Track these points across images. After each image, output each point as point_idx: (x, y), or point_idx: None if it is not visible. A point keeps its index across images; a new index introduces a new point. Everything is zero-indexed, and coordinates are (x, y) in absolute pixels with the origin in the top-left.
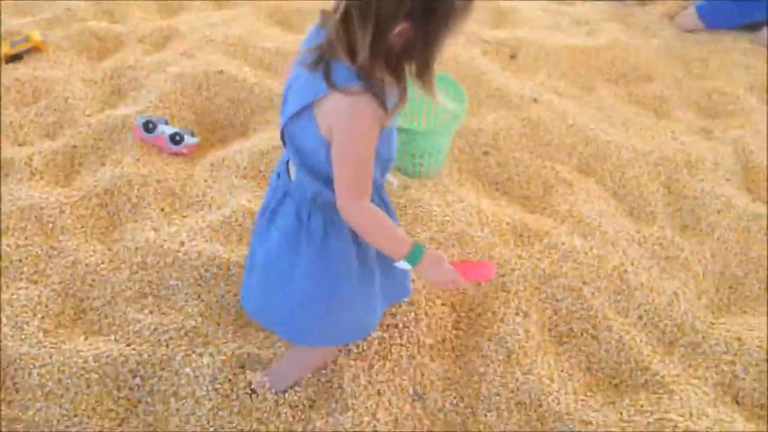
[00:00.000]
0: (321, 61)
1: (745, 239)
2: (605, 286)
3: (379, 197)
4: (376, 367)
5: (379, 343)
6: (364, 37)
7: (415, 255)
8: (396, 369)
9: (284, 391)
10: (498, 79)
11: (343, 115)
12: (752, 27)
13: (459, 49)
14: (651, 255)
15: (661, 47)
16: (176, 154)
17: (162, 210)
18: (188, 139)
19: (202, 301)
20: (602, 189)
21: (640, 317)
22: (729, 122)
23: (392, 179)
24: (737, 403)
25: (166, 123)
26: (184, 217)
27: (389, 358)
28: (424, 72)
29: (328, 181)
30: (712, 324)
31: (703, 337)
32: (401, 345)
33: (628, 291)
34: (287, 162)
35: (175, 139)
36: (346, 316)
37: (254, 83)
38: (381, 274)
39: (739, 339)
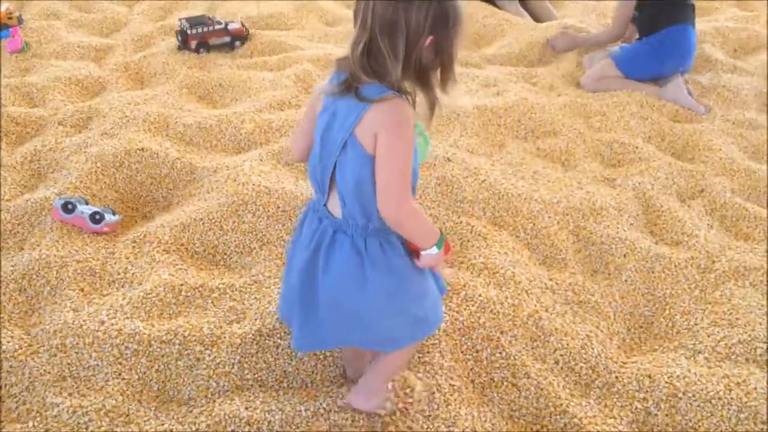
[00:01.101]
0: (351, 87)
1: (651, 279)
2: (522, 333)
3: None
4: None
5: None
6: (396, 57)
7: (441, 240)
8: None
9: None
10: None
11: (382, 117)
12: (658, 82)
13: None
14: (564, 301)
15: (565, 104)
16: (98, 233)
17: (82, 290)
18: (109, 218)
19: (123, 379)
20: (515, 240)
21: (557, 362)
22: (630, 170)
23: None
24: None
25: (86, 203)
26: (105, 295)
27: None
28: (448, 77)
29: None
30: (624, 363)
31: (617, 377)
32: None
33: (544, 337)
34: (324, 205)
35: (96, 218)
36: (421, 306)
37: (176, 158)
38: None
39: (649, 376)
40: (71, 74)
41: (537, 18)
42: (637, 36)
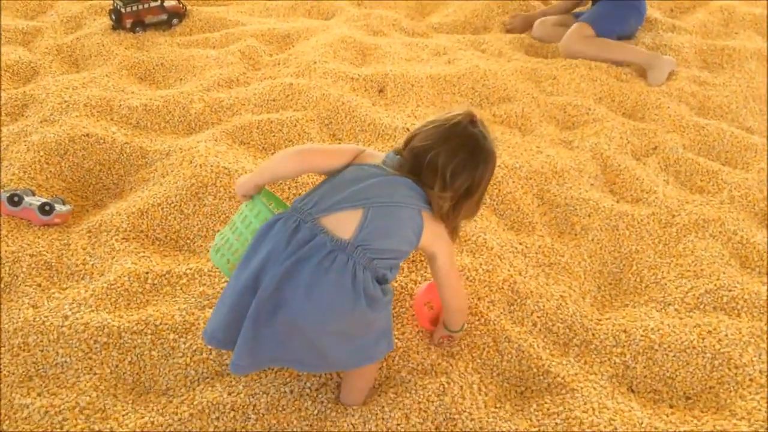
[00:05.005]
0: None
1: (616, 237)
2: (499, 298)
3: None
4: None
5: None
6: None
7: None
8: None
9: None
10: (370, 114)
11: (442, 231)
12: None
13: (328, 87)
14: (535, 263)
15: (516, 69)
16: (48, 225)
17: (39, 285)
18: (59, 208)
19: (95, 374)
20: (483, 207)
21: (535, 324)
22: (585, 132)
23: None
24: (632, 391)
25: (33, 194)
26: (65, 289)
27: None
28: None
29: (391, 258)
30: (599, 321)
31: (593, 334)
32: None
33: (520, 300)
34: (317, 219)
35: (45, 209)
36: (379, 340)
37: (125, 143)
38: None
39: (625, 331)
40: None
41: None
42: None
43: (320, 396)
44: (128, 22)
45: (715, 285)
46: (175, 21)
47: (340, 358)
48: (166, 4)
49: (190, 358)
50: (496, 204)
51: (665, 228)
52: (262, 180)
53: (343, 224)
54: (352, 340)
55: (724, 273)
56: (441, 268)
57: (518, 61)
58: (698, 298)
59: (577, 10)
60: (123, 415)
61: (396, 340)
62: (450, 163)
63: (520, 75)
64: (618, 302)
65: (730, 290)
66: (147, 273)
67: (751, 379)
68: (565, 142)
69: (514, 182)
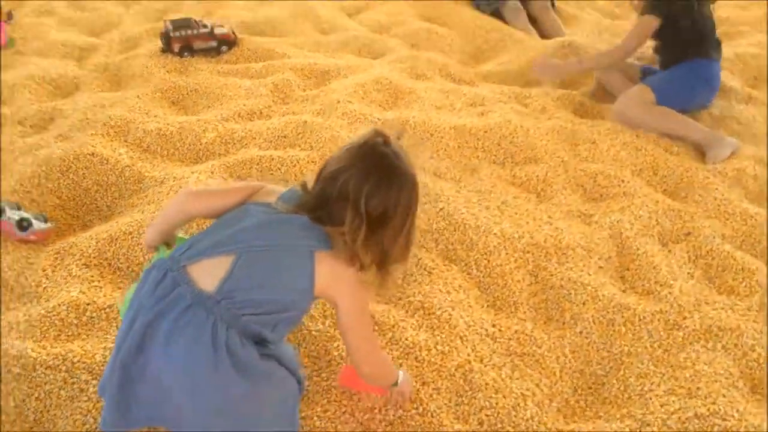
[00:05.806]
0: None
1: (609, 333)
2: (446, 386)
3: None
4: None
5: None
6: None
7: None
8: None
9: None
10: None
11: (345, 272)
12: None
13: (341, 129)
14: (505, 351)
15: (553, 128)
16: (24, 241)
17: None
18: (37, 225)
19: None
20: (465, 278)
21: (481, 423)
22: (611, 206)
23: None
24: None
25: (18, 208)
26: (10, 310)
27: None
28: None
29: (271, 312)
30: (560, 431)
31: None
32: None
33: (471, 392)
34: (184, 267)
35: (22, 225)
36: (269, 419)
37: (126, 166)
38: None
39: None
40: (46, 73)
41: (545, 36)
42: (658, 66)
43: None
44: (176, 46)
45: (708, 410)
46: (224, 48)
47: None
48: (216, 31)
49: (94, 405)
50: (482, 276)
51: (670, 331)
52: (161, 228)
53: (209, 273)
54: (232, 418)
55: (724, 396)
56: (344, 317)
57: (559, 119)
58: (684, 422)
59: (647, 63)
60: None
61: (315, 419)
62: (362, 187)
63: (555, 135)
64: (591, 412)
65: (724, 419)
66: (88, 304)
67: None
68: (584, 215)
69: (507, 254)
